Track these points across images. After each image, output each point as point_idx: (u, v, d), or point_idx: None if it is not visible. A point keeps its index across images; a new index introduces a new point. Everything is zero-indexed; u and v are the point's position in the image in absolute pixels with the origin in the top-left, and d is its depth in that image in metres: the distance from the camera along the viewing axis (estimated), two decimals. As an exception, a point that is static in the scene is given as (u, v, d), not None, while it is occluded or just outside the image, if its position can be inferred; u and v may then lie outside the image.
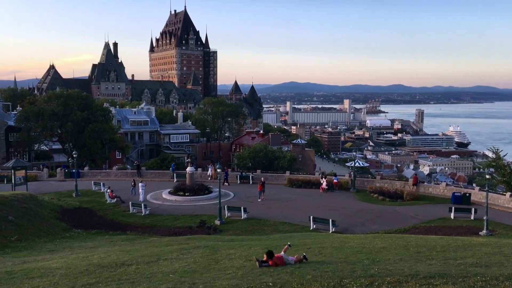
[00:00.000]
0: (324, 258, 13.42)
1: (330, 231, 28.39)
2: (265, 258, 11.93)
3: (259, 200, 38.76)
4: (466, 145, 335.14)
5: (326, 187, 42.98)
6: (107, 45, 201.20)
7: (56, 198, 37.66)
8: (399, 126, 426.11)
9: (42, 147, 73.44)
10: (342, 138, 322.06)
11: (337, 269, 10.90)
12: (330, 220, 29.28)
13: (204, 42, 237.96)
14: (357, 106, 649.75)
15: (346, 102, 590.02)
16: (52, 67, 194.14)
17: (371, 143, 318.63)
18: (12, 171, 40.04)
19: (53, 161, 74.47)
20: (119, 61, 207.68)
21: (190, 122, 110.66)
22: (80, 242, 23.30)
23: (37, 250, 19.93)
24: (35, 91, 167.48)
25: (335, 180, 44.47)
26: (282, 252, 12.52)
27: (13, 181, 39.63)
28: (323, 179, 44.13)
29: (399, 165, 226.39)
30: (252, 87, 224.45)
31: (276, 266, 11.62)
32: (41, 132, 67.24)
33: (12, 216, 25.45)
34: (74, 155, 46.45)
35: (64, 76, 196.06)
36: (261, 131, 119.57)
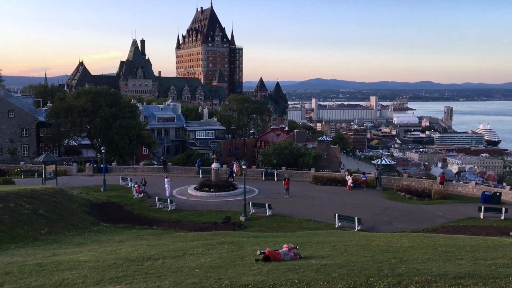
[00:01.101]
0: (350, 257, 13.29)
1: (356, 229, 28.12)
2: (258, 253, 12.81)
3: (287, 196, 38.67)
4: (496, 143, 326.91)
5: (352, 185, 42.58)
6: (134, 42, 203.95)
7: (84, 192, 38.44)
8: (427, 124, 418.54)
9: (71, 143, 75.09)
10: (368, 136, 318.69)
11: (364, 267, 10.78)
12: (356, 218, 28.99)
13: (229, 39, 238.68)
14: (384, 103, 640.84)
15: (373, 99, 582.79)
16: (81, 64, 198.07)
17: (398, 141, 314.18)
18: (43, 166, 41.02)
19: (82, 156, 76.05)
20: (147, 58, 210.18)
21: (216, 119, 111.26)
22: (108, 236, 23.72)
23: (66, 243, 20.38)
24: (65, 88, 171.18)
25: (363, 178, 43.91)
26: (284, 248, 13.23)
27: (43, 176, 40.59)
28: (349, 176, 43.72)
29: (426, 163, 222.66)
30: (278, 83, 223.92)
31: (271, 261, 12.22)
32: (71, 127, 68.74)
33: (42, 209, 26.11)
34: (103, 151, 47.28)
35: (93, 72, 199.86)
36: (286, 128, 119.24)
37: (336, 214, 29.93)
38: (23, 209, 24.57)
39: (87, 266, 11.97)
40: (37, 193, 28.31)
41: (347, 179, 43.34)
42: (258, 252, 13.03)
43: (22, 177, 48.52)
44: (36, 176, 47.09)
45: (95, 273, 11.06)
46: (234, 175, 49.54)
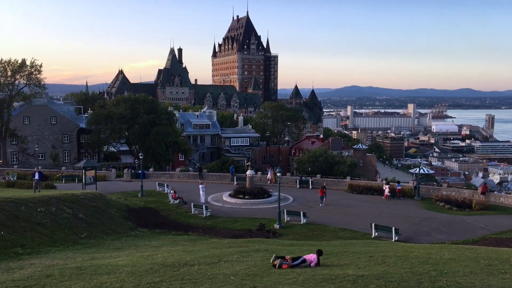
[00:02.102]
0: (388, 268, 12.99)
1: (393, 240, 27.50)
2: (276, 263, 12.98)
3: (322, 205, 38.31)
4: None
5: (389, 194, 41.75)
6: (172, 50, 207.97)
7: (122, 197, 39.25)
8: (467, 132, 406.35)
9: (110, 149, 77.05)
10: (406, 144, 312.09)
11: (402, 279, 10.51)
12: (393, 228, 28.36)
13: (265, 46, 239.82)
14: (422, 111, 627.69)
15: (410, 106, 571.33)
16: (120, 72, 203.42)
17: (436, 149, 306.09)
18: (83, 171, 42.16)
19: (121, 162, 77.86)
20: (183, 66, 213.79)
21: (250, 126, 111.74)
22: (145, 241, 24.09)
23: (105, 247, 20.82)
24: (105, 95, 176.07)
25: (398, 188, 43.04)
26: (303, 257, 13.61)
27: (83, 181, 41.70)
28: (386, 185, 42.90)
29: (466, 173, 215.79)
30: (313, 91, 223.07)
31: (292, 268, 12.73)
32: (110, 134, 70.58)
33: (82, 214, 26.80)
34: (140, 157, 48.25)
35: (131, 80, 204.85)
36: (321, 136, 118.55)
37: (373, 224, 29.37)
38: (64, 213, 25.30)
39: (124, 271, 12.18)
40: (78, 197, 29.10)
41: (384, 188, 42.55)
42: (274, 257, 13.36)
43: (63, 182, 50.05)
44: (76, 181, 48.45)
45: (133, 278, 11.23)
46: (269, 182, 49.58)
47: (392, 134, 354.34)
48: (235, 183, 49.16)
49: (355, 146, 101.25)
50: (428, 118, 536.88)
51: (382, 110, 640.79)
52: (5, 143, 70.47)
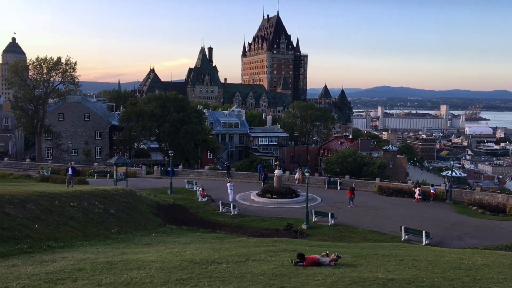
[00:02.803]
0: (419, 272, 12.73)
1: (423, 244, 26.97)
2: (298, 260, 13.27)
3: (351, 206, 37.94)
4: None
5: (420, 197, 40.95)
6: (202, 49, 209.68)
7: (152, 194, 39.82)
8: (502, 135, 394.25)
9: (141, 146, 78.31)
10: (438, 146, 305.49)
11: (434, 284, 10.28)
12: (424, 231, 27.82)
13: (295, 46, 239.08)
14: (455, 113, 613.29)
15: (443, 108, 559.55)
16: (152, 70, 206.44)
17: (469, 152, 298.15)
18: (114, 167, 43.00)
19: (151, 159, 79.03)
20: (213, 65, 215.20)
21: (279, 125, 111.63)
22: (173, 237, 24.36)
23: (134, 242, 21.16)
24: (137, 93, 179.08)
25: (432, 191, 41.97)
26: (319, 255, 13.89)
27: (115, 177, 42.52)
28: (417, 188, 42.09)
29: (501, 176, 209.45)
30: (342, 91, 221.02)
31: (311, 266, 13.00)
32: (141, 131, 71.73)
33: (113, 209, 27.35)
34: (170, 154, 48.86)
35: (162, 79, 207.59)
36: (350, 136, 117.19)
37: (403, 227, 28.88)
38: (95, 208, 25.87)
39: (154, 267, 12.34)
40: (109, 193, 29.71)
41: (415, 191, 41.75)
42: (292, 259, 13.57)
43: (95, 177, 51.16)
44: (108, 177, 49.44)
45: (162, 274, 11.37)
46: (297, 182, 49.40)
47: (424, 136, 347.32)
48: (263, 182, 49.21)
49: (385, 147, 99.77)
50: (461, 120, 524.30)
51: (414, 111, 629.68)
52: (40, 139, 72.56)
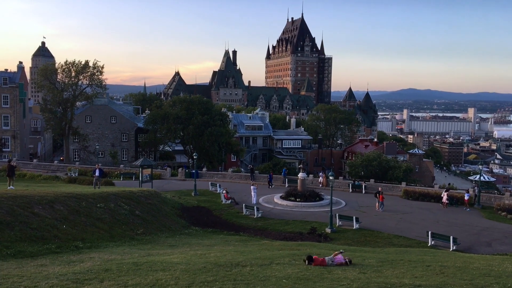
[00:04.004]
0: (447, 279, 12.45)
1: (451, 249, 26.39)
2: (308, 261, 14.02)
3: (381, 210, 37.45)
4: None
5: (447, 202, 40.12)
6: (227, 53, 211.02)
7: (177, 196, 40.16)
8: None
9: (166, 148, 79.14)
10: (465, 150, 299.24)
11: (463, 292, 10.02)
12: (451, 237, 27.23)
13: (319, 48, 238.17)
14: (483, 116, 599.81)
15: (471, 110, 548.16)
16: (177, 73, 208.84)
17: (498, 156, 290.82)
18: (140, 169, 43.52)
19: (175, 162, 79.82)
20: (237, 68, 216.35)
21: (303, 128, 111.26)
22: (198, 239, 24.49)
23: (159, 244, 21.36)
24: (162, 96, 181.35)
25: (466, 197, 40.76)
26: (328, 257, 14.45)
27: (140, 179, 43.03)
28: (444, 192, 41.26)
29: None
30: (367, 93, 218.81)
31: (320, 266, 13.69)
32: (166, 134, 72.52)
33: (139, 210, 27.68)
34: (194, 157, 49.18)
35: (187, 82, 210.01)
36: (375, 139, 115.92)
37: (429, 232, 28.34)
38: (121, 209, 26.22)
39: (179, 268, 12.41)
40: (134, 195, 30.08)
41: (442, 195, 40.93)
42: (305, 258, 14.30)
43: (121, 179, 51.93)
44: (133, 179, 50.13)
45: (187, 276, 11.42)
46: (321, 185, 49.08)
47: (451, 139, 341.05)
48: (286, 185, 49.08)
49: (411, 151, 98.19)
50: (489, 123, 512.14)
51: (441, 114, 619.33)
52: (68, 141, 74.08)
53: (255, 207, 35.99)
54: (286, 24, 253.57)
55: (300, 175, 42.50)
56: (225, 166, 76.88)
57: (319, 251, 18.07)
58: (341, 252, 15.30)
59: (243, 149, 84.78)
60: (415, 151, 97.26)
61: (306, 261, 14.04)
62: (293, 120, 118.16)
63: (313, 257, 14.22)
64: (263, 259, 14.78)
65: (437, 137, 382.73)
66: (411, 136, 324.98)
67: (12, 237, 16.74)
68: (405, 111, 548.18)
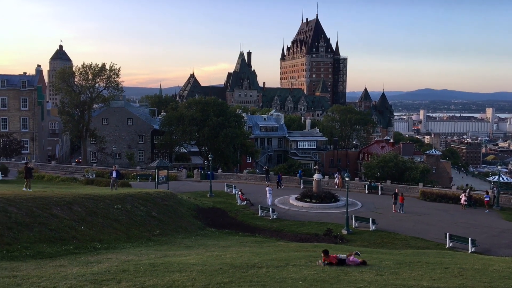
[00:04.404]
0: (465, 281, 12.28)
1: (469, 251, 26.02)
2: (323, 256, 14.58)
3: (402, 212, 37.12)
4: None
5: (465, 203, 39.56)
6: (241, 54, 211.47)
7: (192, 197, 40.33)
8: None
9: (181, 150, 79.56)
10: (483, 150, 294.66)
11: (482, 295, 9.87)
12: (470, 238, 26.84)
13: (334, 49, 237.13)
14: (502, 116, 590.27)
15: (489, 110, 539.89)
16: (192, 75, 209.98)
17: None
18: (156, 171, 43.79)
19: (191, 163, 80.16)
20: (252, 69, 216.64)
21: (318, 129, 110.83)
22: (213, 240, 24.57)
23: (176, 245, 21.48)
24: (177, 98, 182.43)
25: (486, 199, 39.88)
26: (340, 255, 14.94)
27: (156, 180, 43.30)
28: (463, 194, 40.67)
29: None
30: (383, 94, 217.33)
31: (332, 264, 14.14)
32: (181, 135, 72.90)
33: (155, 212, 27.89)
34: (210, 158, 49.36)
35: (202, 84, 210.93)
36: (391, 140, 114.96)
37: (447, 234, 27.97)
38: (138, 210, 26.46)
39: (195, 269, 12.46)
40: (151, 196, 30.32)
41: (461, 196, 40.36)
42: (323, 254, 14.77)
43: (138, 180, 52.31)
44: (150, 180, 50.43)
45: (203, 277, 11.47)
46: (336, 187, 48.83)
47: (469, 140, 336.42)
48: (302, 186, 48.93)
49: (428, 152, 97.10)
50: (508, 123, 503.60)
51: (458, 115, 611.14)
52: (85, 143, 74.98)
53: (270, 208, 35.95)
54: (300, 25, 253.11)
55: (316, 176, 42.33)
56: (240, 167, 76.97)
57: (335, 252, 17.95)
58: (356, 254, 15.29)
59: (258, 150, 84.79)
60: (432, 152, 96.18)
61: (323, 254, 14.50)
62: (308, 121, 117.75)
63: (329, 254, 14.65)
64: (279, 260, 14.77)
65: (455, 137, 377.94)
66: (428, 137, 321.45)
67: (32, 238, 17.02)
68: (421, 111, 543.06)
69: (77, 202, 22.92)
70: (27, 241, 16.62)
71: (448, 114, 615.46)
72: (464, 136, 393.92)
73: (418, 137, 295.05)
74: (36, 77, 77.48)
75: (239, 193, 40.86)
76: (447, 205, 41.00)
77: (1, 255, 14.52)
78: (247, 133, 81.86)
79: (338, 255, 14.90)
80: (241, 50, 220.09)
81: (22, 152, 71.70)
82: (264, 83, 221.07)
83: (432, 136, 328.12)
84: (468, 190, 43.99)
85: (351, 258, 14.77)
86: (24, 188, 28.38)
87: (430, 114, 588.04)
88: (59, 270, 12.52)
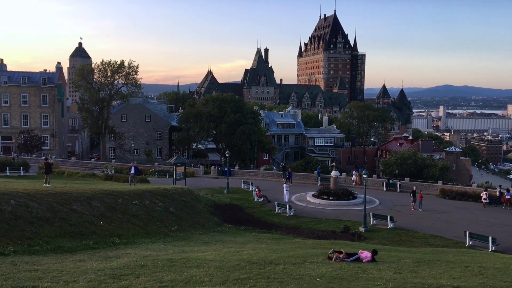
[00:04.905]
0: (486, 280, 12.09)
1: (490, 250, 25.61)
2: (337, 253, 14.87)
3: (421, 210, 36.72)
4: None
5: (486, 201, 38.92)
6: (258, 51, 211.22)
7: (210, 193, 40.50)
8: None
9: (199, 146, 79.92)
10: (504, 147, 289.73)
11: (504, 294, 9.71)
12: (490, 237, 26.41)
13: (352, 45, 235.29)
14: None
15: (510, 107, 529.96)
16: (209, 72, 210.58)
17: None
18: (174, 167, 44.12)
19: (208, 160, 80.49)
20: (269, 66, 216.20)
21: (335, 126, 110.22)
22: (230, 236, 24.65)
23: (193, 241, 21.62)
24: (195, 95, 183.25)
25: (508, 196, 39.32)
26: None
27: (174, 176, 43.63)
28: (484, 191, 40.02)
29: None
30: (402, 90, 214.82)
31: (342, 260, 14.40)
32: (199, 132, 73.25)
33: (173, 208, 28.11)
34: (227, 155, 49.46)
35: (219, 80, 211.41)
36: (410, 137, 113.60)
37: (467, 232, 27.56)
38: (156, 206, 26.70)
39: (212, 265, 12.52)
40: (169, 192, 30.55)
41: (481, 194, 39.72)
42: (331, 250, 15.20)
43: (156, 176, 52.76)
44: (167, 176, 50.84)
45: (220, 273, 11.51)
46: (354, 184, 48.51)
47: (489, 137, 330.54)
48: (319, 183, 48.75)
49: (447, 149, 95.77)
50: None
51: (478, 111, 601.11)
52: (104, 139, 75.86)
53: (287, 205, 35.90)
54: (318, 21, 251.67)
55: (333, 173, 42.11)
56: (257, 164, 76.99)
57: (353, 250, 17.85)
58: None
59: (275, 147, 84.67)
60: (452, 149, 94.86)
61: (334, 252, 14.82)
62: (325, 118, 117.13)
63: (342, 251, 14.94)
64: (296, 257, 14.75)
65: (475, 134, 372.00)
66: (448, 134, 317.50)
67: (52, 233, 17.31)
68: (441, 108, 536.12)
69: (96, 197, 23.23)
70: (48, 235, 16.91)
71: (468, 111, 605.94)
72: (485, 133, 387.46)
73: (437, 134, 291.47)
74: (56, 74, 78.64)
75: (256, 189, 40.90)
76: (467, 203, 40.42)
77: (23, 249, 14.80)
78: (264, 129, 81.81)
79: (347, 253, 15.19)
80: (258, 47, 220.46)
81: (43, 148, 72.95)
82: (281, 80, 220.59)
83: (452, 133, 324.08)
84: (485, 187, 43.27)
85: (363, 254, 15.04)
86: (44, 184, 28.85)
87: (450, 111, 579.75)
88: (79, 265, 12.70)
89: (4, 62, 79.42)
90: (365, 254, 14.94)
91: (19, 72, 77.81)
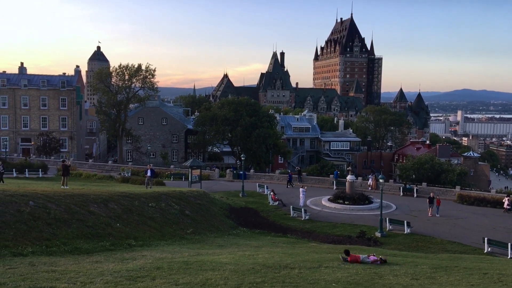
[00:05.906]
0: (506, 287, 11.87)
1: (509, 257, 25.12)
2: (345, 255, 15.20)
3: (438, 215, 36.27)
4: None
5: (508, 207, 38.24)
6: (274, 54, 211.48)
7: (225, 197, 40.57)
8: None
9: (214, 149, 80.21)
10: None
11: (524, 303, 9.50)
12: (509, 244, 25.90)
13: (369, 49, 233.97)
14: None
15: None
16: (225, 76, 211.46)
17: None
18: (189, 170, 44.30)
19: (223, 163, 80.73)
20: (285, 69, 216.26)
21: (351, 130, 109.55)
22: (245, 240, 24.63)
23: (208, 243, 21.66)
24: (211, 98, 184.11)
25: None
26: (362, 256, 15.34)
27: (189, 179, 43.80)
28: (506, 197, 39.34)
29: None
30: (419, 94, 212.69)
31: (352, 263, 14.68)
32: (214, 135, 73.50)
33: (188, 210, 28.20)
34: (242, 158, 49.51)
35: (235, 84, 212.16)
36: (427, 142, 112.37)
37: (485, 238, 27.09)
38: (172, 209, 26.82)
39: (228, 269, 12.52)
40: (184, 195, 30.68)
41: (504, 200, 39.04)
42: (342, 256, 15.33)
43: (172, 179, 53.09)
44: (183, 179, 51.10)
45: (235, 276, 11.50)
46: (370, 188, 48.14)
47: (508, 142, 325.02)
48: (334, 187, 48.46)
49: (465, 154, 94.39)
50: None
51: (497, 116, 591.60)
52: (121, 142, 76.67)
53: (302, 209, 35.75)
54: (334, 24, 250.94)
55: (349, 177, 41.82)
56: (272, 167, 76.87)
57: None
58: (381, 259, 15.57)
59: (290, 150, 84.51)
60: (470, 154, 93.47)
61: (344, 254, 15.17)
62: (341, 122, 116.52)
63: (350, 253, 15.31)
64: (311, 261, 14.67)
65: (494, 139, 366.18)
66: (466, 139, 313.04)
67: (69, 234, 17.51)
68: (459, 112, 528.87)
69: (113, 199, 23.44)
70: (65, 237, 17.11)
71: (487, 115, 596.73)
72: (504, 138, 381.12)
73: (455, 138, 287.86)
74: (75, 77, 79.78)
75: (271, 193, 40.85)
76: (486, 209, 39.76)
77: (41, 250, 15.00)
78: (279, 133, 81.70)
79: (361, 257, 15.37)
80: (274, 51, 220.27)
81: (61, 150, 73.98)
82: (297, 84, 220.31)
83: (470, 137, 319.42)
84: (507, 193, 42.53)
85: (370, 257, 15.37)
86: (62, 186, 29.23)
87: (468, 115, 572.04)
88: (96, 266, 12.83)
89: (24, 66, 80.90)
90: (373, 259, 15.41)
91: (38, 75, 79.20)
